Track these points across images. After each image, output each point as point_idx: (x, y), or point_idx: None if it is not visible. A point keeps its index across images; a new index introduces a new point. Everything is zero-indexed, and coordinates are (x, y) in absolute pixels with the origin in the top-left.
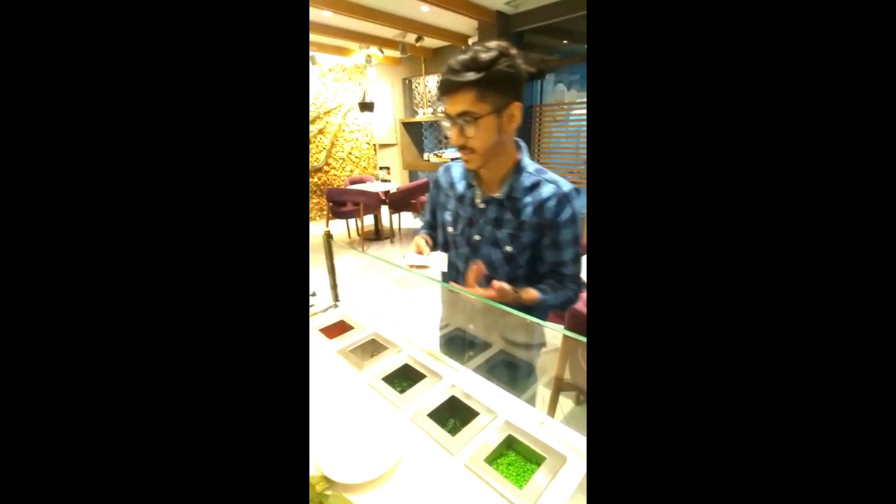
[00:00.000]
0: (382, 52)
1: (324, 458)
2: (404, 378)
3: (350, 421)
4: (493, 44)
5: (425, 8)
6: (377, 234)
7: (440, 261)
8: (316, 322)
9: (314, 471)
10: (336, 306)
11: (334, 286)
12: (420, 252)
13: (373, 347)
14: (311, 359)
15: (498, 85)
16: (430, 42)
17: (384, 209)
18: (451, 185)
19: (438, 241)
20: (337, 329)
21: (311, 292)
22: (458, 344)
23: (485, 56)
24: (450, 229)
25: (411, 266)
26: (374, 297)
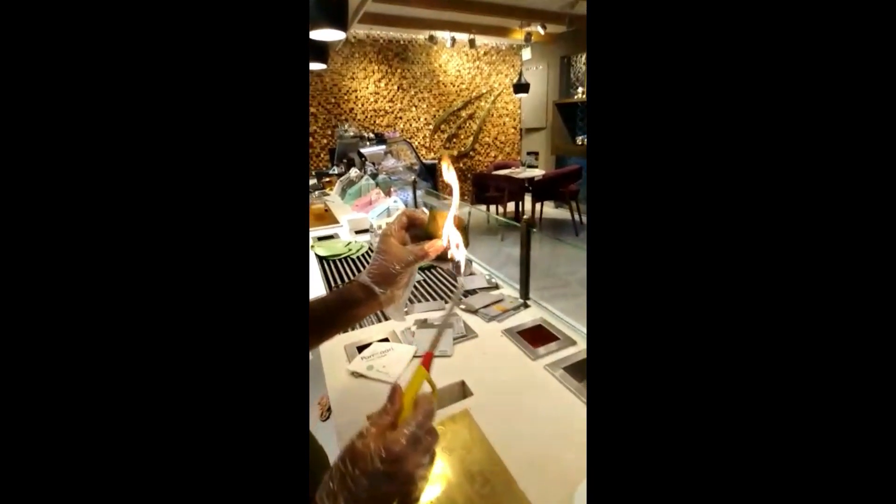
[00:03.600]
0: (545, 27)
1: None
2: None
3: None
4: None
5: None
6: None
7: None
8: (509, 322)
9: None
10: (527, 305)
11: (525, 282)
12: None
13: None
14: (517, 370)
15: None
16: None
17: (527, 197)
18: None
19: None
20: (537, 336)
21: (493, 283)
22: None
23: None
24: None
25: None
26: (565, 297)
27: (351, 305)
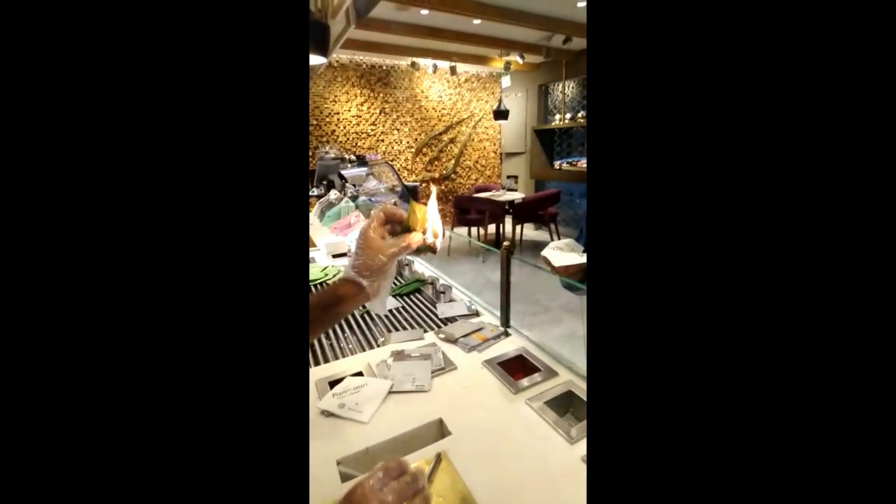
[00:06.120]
0: (523, 57)
1: None
2: None
3: None
4: None
5: (582, 3)
6: (498, 245)
7: None
8: (489, 353)
9: None
10: (507, 334)
11: (506, 310)
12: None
13: (575, 404)
14: (498, 406)
15: None
16: (577, 43)
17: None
18: None
19: None
20: (518, 367)
21: (474, 310)
22: None
23: None
24: None
25: (558, 267)
26: (546, 325)
27: (336, 303)
